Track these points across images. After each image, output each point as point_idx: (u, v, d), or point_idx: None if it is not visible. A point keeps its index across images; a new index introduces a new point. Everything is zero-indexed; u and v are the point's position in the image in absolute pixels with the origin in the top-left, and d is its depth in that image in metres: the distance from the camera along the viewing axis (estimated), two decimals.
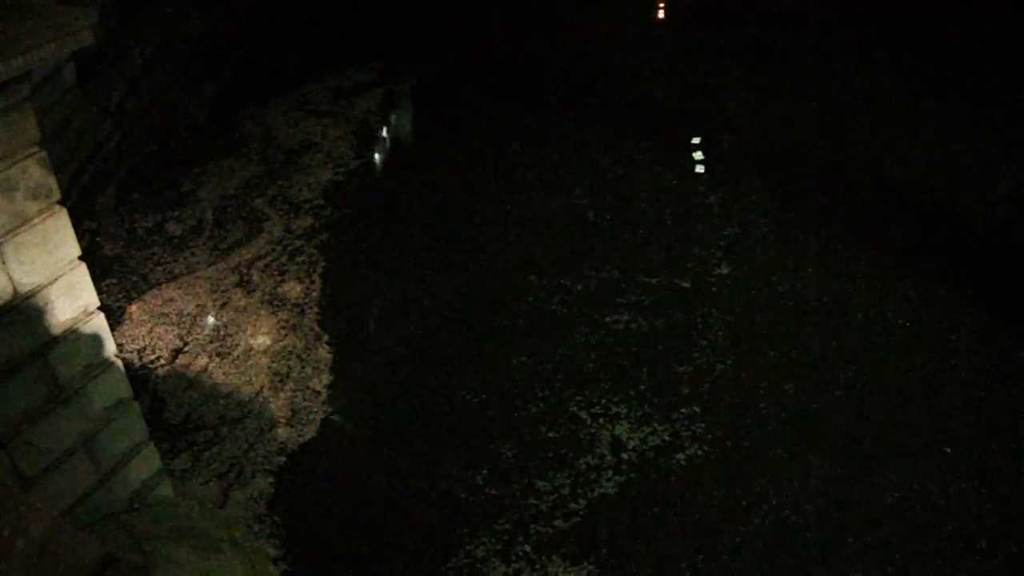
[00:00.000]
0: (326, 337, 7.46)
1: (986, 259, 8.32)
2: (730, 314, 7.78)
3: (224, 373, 7.08)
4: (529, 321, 7.83)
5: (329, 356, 7.27)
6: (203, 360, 7.19)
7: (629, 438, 6.59)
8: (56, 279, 3.75)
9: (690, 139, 10.45)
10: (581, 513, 6.09)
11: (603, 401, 6.98)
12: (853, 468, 6.31)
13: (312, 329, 7.60)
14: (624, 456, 6.46)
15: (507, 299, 8.11)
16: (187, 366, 7.14)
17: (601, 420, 6.80)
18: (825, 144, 10.14)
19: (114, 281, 7.90)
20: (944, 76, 11.29)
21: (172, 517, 4.68)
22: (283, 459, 6.40)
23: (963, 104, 10.68)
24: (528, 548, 5.91)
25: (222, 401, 6.84)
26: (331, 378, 7.12)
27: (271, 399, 6.87)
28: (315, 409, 6.83)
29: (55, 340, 3.83)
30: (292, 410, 6.78)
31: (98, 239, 8.34)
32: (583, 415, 6.87)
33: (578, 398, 7.05)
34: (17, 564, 2.55)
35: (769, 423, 6.70)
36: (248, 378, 7.05)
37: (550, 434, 6.69)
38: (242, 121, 10.58)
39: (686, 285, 8.09)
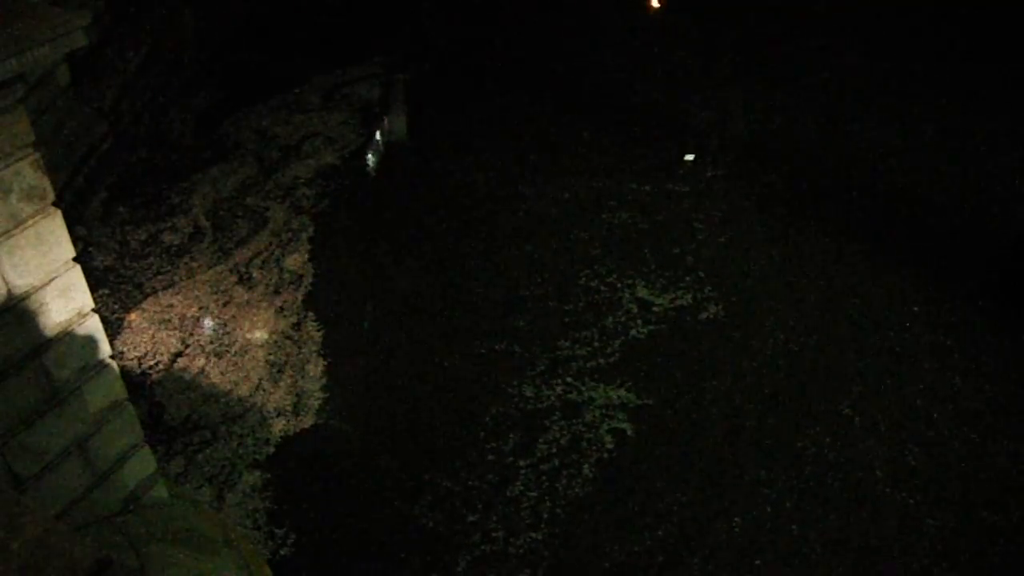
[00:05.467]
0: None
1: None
2: (723, 203, 9.11)
3: (222, 372, 7.08)
4: (525, 224, 8.81)
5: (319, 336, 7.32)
6: (201, 361, 7.18)
7: (650, 296, 7.80)
8: (50, 281, 3.74)
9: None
10: (616, 354, 7.24)
11: (614, 275, 8.08)
12: (839, 315, 7.70)
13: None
14: (654, 308, 7.70)
15: (500, 210, 9.01)
16: (186, 368, 7.13)
17: (619, 286, 7.94)
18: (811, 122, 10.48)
19: (107, 291, 7.85)
20: (946, 76, 11.33)
21: (167, 519, 4.67)
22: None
23: (964, 104, 10.75)
24: (569, 379, 7.00)
25: (223, 399, 6.84)
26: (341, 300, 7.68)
27: (271, 389, 6.94)
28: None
29: (49, 342, 3.82)
30: (295, 397, 6.78)
31: (90, 249, 8.29)
32: (594, 284, 7.95)
33: (586, 272, 8.11)
34: (12, 566, 2.55)
35: (765, 281, 8.11)
36: (246, 373, 7.06)
37: (566, 306, 7.74)
38: (237, 127, 10.50)
39: (685, 189, 9.32)
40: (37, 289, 3.69)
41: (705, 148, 10.01)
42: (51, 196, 3.67)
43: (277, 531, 5.91)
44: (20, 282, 3.61)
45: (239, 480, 6.22)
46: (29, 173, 3.53)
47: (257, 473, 6.28)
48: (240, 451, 6.42)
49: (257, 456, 6.41)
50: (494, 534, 5.92)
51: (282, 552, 5.78)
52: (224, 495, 6.11)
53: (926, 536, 5.87)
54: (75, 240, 3.88)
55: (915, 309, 7.72)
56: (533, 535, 5.90)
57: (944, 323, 7.58)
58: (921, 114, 10.60)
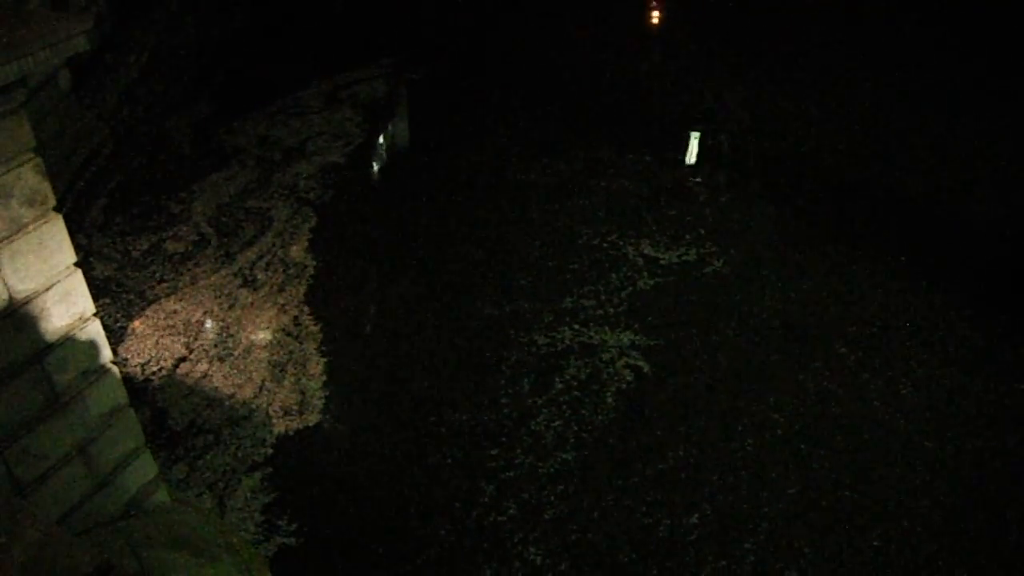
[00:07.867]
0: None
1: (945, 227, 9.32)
2: (722, 167, 9.54)
3: (225, 376, 7.06)
4: (524, 194, 9.16)
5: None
6: (205, 365, 7.17)
7: (655, 253, 8.27)
8: (51, 285, 3.74)
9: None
10: (623, 304, 7.70)
11: (615, 235, 8.51)
12: (834, 268, 8.26)
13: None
14: (660, 263, 8.16)
15: (500, 183, 9.36)
16: (189, 373, 7.12)
17: (621, 244, 8.38)
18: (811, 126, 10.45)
19: (108, 300, 7.82)
20: (948, 77, 11.33)
21: (169, 523, 4.66)
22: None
23: (967, 106, 10.74)
24: (577, 326, 7.45)
25: (226, 402, 6.84)
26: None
27: (274, 389, 6.98)
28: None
29: (51, 346, 3.81)
30: (299, 394, 6.77)
31: (91, 258, 8.26)
32: (596, 243, 8.35)
33: (587, 232, 8.50)
34: (13, 570, 2.54)
35: (765, 237, 8.64)
36: (250, 375, 7.06)
37: (570, 265, 8.14)
38: (238, 132, 10.47)
39: (684, 157, 9.80)
40: (38, 294, 3.69)
41: (706, 122, 10.41)
42: (52, 201, 3.67)
43: (279, 523, 5.91)
44: (21, 287, 3.61)
45: (240, 484, 6.21)
46: (30, 177, 3.53)
47: (257, 475, 6.27)
48: (239, 454, 6.41)
49: (256, 458, 6.40)
50: (517, 461, 6.24)
51: (285, 545, 5.77)
52: (226, 501, 6.10)
53: (925, 455, 6.43)
54: (76, 248, 3.88)
55: (903, 259, 8.25)
56: (563, 455, 6.33)
57: (931, 276, 8.07)
58: (916, 95, 10.86)
